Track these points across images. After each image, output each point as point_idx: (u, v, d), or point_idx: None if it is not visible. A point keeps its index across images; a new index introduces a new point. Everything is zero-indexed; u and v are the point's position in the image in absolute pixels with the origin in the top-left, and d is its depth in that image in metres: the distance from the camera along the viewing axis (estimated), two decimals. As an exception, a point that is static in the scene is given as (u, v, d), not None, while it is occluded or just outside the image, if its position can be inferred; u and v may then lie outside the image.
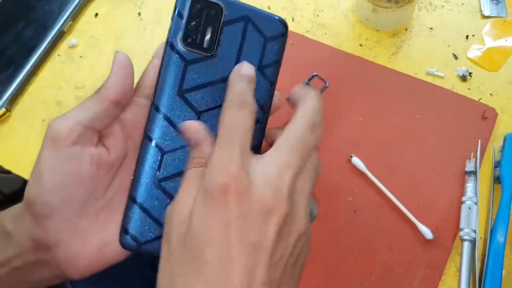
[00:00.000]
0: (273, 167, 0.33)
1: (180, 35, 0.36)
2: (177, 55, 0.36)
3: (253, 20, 0.37)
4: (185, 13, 0.36)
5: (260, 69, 0.38)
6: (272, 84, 0.39)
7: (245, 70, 0.36)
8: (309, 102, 0.36)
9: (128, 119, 0.38)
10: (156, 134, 0.35)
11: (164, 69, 0.35)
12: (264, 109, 0.39)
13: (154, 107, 0.35)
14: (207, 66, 0.37)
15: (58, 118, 0.35)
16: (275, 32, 0.39)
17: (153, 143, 0.35)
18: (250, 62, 0.37)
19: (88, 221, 0.37)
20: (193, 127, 0.35)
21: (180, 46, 0.36)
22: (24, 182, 0.61)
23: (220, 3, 0.36)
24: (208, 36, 0.36)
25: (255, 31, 0.38)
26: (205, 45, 0.36)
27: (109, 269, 0.43)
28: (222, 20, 0.37)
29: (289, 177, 0.33)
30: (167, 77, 0.35)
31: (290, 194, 0.33)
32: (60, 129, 0.35)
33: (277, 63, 0.39)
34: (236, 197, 0.30)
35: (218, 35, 0.37)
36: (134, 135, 0.39)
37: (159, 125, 0.35)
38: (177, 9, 0.36)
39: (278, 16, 0.39)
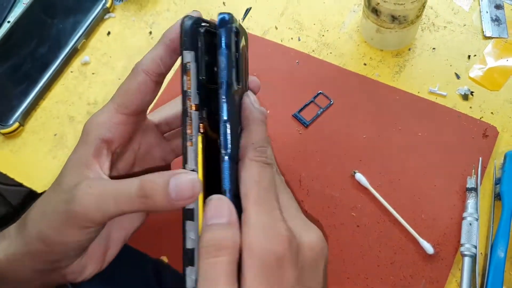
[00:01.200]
0: (294, 213, 0.33)
1: (234, 73, 0.33)
2: (234, 96, 0.33)
3: (243, 35, 0.36)
4: (233, 46, 0.33)
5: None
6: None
7: (260, 110, 0.35)
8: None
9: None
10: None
11: (229, 114, 0.32)
12: None
13: (232, 159, 0.32)
14: (239, 99, 0.35)
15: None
16: (246, 40, 0.38)
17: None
18: (244, 79, 0.36)
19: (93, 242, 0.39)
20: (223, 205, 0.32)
21: (235, 85, 0.33)
22: (30, 193, 0.62)
23: (237, 25, 0.34)
24: (240, 66, 0.34)
25: (245, 46, 0.37)
26: (241, 76, 0.35)
27: (113, 276, 0.45)
28: (241, 44, 0.35)
29: (301, 213, 0.35)
30: (233, 124, 0.33)
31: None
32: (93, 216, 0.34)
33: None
34: (292, 259, 0.30)
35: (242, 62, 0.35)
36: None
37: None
38: (223, 42, 0.32)
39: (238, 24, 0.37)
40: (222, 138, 0.32)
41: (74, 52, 0.68)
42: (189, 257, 0.32)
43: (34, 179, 0.61)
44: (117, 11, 0.72)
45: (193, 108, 0.33)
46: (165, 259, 0.54)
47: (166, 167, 0.45)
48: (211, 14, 0.69)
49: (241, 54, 0.35)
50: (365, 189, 0.54)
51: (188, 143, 0.33)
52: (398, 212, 0.52)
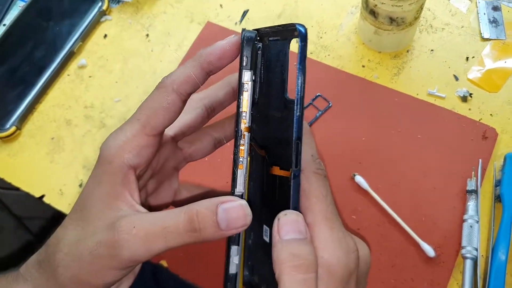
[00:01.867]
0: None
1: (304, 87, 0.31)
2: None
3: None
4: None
5: None
6: None
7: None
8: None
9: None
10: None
11: (298, 129, 0.30)
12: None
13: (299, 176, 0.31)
14: None
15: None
16: None
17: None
18: None
19: None
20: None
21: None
22: (28, 197, 0.62)
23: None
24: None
25: None
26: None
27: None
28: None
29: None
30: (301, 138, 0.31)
31: None
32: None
33: None
34: (355, 273, 0.30)
35: None
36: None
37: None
38: (300, 56, 0.30)
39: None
40: (294, 156, 0.30)
41: (71, 55, 0.68)
42: (232, 283, 0.32)
43: (31, 183, 0.61)
44: (113, 13, 0.72)
45: (247, 130, 0.32)
46: (164, 263, 0.54)
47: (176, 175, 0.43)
48: (208, 17, 0.69)
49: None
50: (365, 191, 0.54)
51: (239, 167, 0.32)
52: (399, 214, 0.52)
